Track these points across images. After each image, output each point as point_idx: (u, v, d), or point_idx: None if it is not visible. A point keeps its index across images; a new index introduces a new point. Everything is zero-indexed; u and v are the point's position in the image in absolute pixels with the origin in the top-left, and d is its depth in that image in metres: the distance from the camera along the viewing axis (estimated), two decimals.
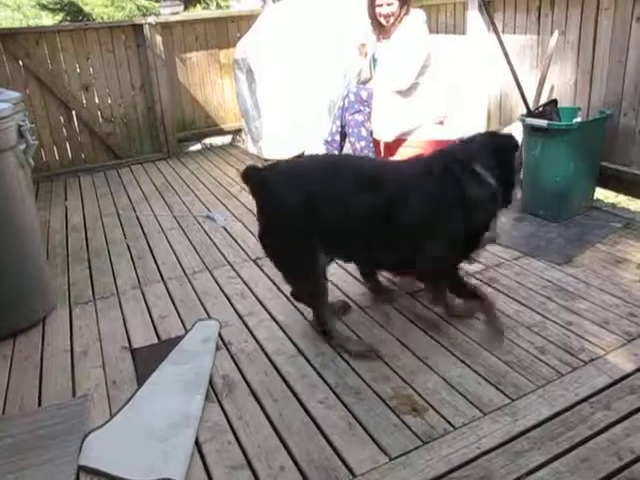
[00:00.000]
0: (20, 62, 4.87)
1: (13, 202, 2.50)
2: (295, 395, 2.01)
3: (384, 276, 2.70)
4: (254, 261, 3.11)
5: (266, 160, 5.03)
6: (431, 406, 1.90)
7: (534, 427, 1.77)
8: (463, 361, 2.12)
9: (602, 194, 3.65)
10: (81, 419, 1.94)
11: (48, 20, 12.09)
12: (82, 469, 1.74)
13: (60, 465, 1.75)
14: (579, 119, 3.36)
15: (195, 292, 2.82)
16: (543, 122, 3.17)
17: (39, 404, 2.09)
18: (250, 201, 4.04)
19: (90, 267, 3.22)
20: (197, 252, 3.30)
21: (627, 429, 1.74)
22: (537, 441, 1.72)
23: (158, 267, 3.14)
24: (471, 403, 1.89)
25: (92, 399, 2.07)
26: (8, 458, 1.80)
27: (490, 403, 1.89)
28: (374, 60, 3.86)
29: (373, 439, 1.78)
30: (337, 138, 3.90)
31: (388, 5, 3.60)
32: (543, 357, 2.11)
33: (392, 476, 1.63)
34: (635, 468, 1.61)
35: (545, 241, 3.06)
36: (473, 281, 2.69)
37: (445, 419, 1.83)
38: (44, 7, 12.22)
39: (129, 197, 4.43)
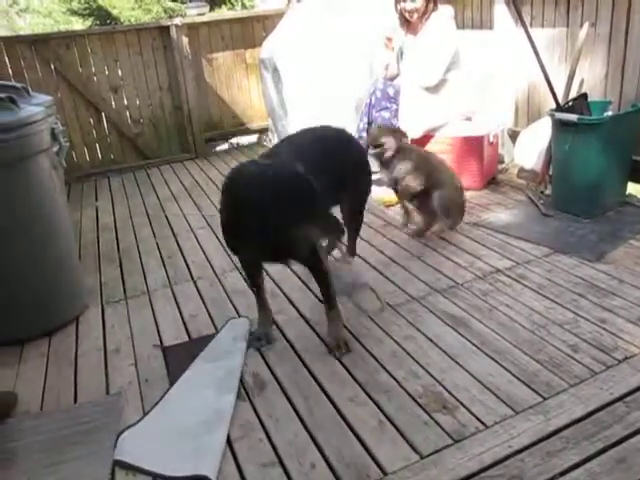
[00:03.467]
0: (51, 66, 4.98)
1: (47, 203, 2.56)
2: (325, 393, 2.01)
3: None
4: None
5: None
6: (462, 404, 1.88)
7: (567, 426, 1.75)
8: (494, 359, 2.10)
9: (635, 189, 3.57)
10: (115, 416, 1.98)
11: (78, 25, 12.31)
12: (117, 464, 1.77)
13: (96, 459, 1.79)
14: (610, 113, 3.29)
15: (225, 291, 2.85)
16: (573, 117, 3.11)
17: (75, 401, 2.13)
18: None
19: (121, 266, 3.28)
20: (226, 251, 3.32)
21: None
22: (570, 441, 1.69)
23: (188, 266, 3.18)
24: (502, 401, 1.88)
25: (125, 396, 2.11)
26: (46, 452, 1.85)
27: (522, 402, 1.87)
28: (401, 55, 3.84)
29: (404, 437, 1.77)
30: (364, 135, 3.89)
31: (412, 1, 3.59)
32: (576, 355, 2.08)
33: (423, 474, 1.63)
34: None
35: (576, 237, 3.01)
36: (503, 278, 2.68)
37: (476, 417, 1.82)
38: (74, 13, 12.47)
39: (158, 197, 4.49)
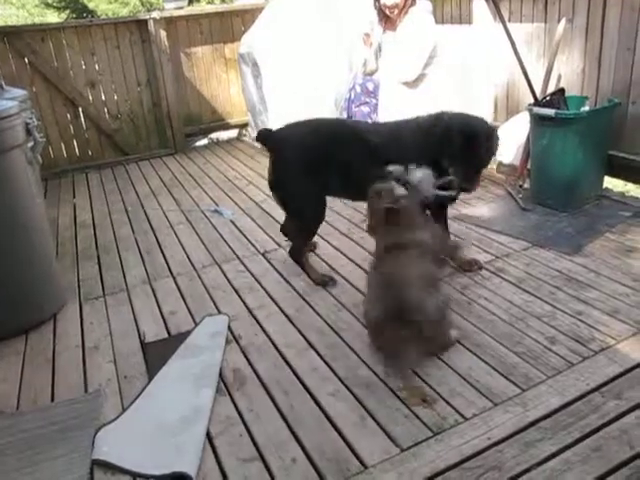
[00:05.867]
0: (26, 59, 4.89)
1: (22, 199, 2.52)
2: (306, 388, 2.01)
3: None
4: (262, 255, 3.12)
5: None
6: (441, 397, 1.90)
7: (545, 417, 1.77)
8: (473, 352, 2.12)
9: (611, 183, 3.62)
10: (94, 414, 1.96)
11: (53, 18, 12.12)
12: (95, 463, 1.75)
13: (74, 459, 1.77)
14: (587, 108, 3.33)
15: (204, 286, 2.83)
16: (551, 111, 3.15)
17: (52, 399, 2.10)
18: (256, 194, 4.06)
19: (99, 263, 3.24)
20: (206, 247, 3.31)
21: (639, 418, 1.73)
22: (548, 431, 1.72)
23: (167, 262, 3.16)
24: (482, 394, 1.89)
25: (104, 394, 2.08)
26: (23, 452, 1.82)
27: (501, 393, 1.89)
28: (380, 50, 3.84)
29: (384, 430, 1.78)
30: None
31: None
32: (553, 347, 2.10)
33: (403, 467, 1.64)
34: None
35: (554, 231, 3.05)
36: (482, 271, 2.69)
37: (456, 410, 1.83)
38: (48, 5, 12.26)
39: (137, 193, 4.44)
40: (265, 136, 2.72)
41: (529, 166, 3.55)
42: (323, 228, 3.34)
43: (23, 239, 2.53)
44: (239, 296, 2.70)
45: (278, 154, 2.68)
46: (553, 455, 1.63)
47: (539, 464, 1.60)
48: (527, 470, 1.59)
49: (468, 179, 2.56)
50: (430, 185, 2.34)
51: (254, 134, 5.34)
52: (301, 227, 2.81)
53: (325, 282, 2.72)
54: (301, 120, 2.75)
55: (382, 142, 2.61)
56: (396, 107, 3.73)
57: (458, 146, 2.48)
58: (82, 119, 5.25)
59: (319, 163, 2.59)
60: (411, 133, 2.64)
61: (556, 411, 1.79)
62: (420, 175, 2.28)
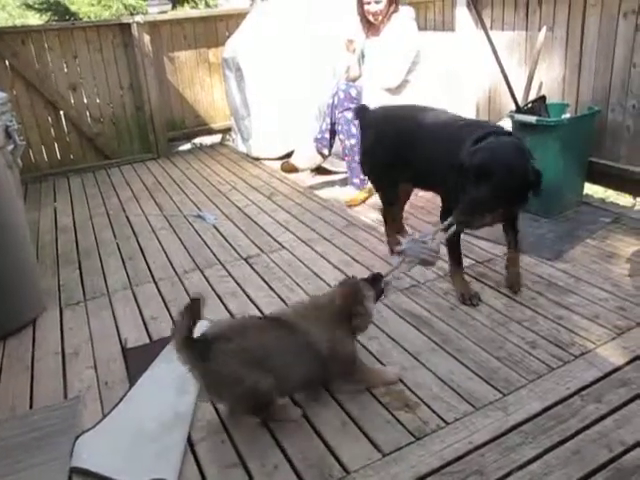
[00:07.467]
0: (6, 62, 4.84)
1: (1, 203, 2.48)
2: None
3: None
4: (245, 260, 3.11)
5: (255, 159, 5.03)
6: (423, 402, 1.90)
7: (526, 421, 1.78)
8: (454, 357, 2.13)
9: (591, 189, 3.68)
10: (73, 421, 1.93)
11: (34, 20, 12.02)
12: (74, 471, 1.73)
13: (53, 467, 1.74)
14: (568, 115, 3.38)
15: (186, 292, 2.81)
16: (532, 118, 3.18)
17: (31, 406, 2.07)
18: (239, 199, 4.05)
19: (80, 268, 3.21)
20: (188, 252, 3.29)
21: (617, 421, 1.75)
22: (529, 435, 1.73)
23: (149, 267, 3.13)
24: (463, 398, 1.90)
25: (84, 400, 2.06)
26: (1, 461, 1.79)
27: (482, 398, 1.90)
28: (363, 57, 3.86)
29: (366, 436, 1.78)
30: (327, 136, 3.90)
31: (376, 3, 3.61)
32: (534, 352, 2.12)
33: (385, 472, 1.64)
34: (625, 459, 1.62)
35: (535, 237, 3.08)
36: (465, 277, 2.71)
37: (437, 415, 1.84)
38: (30, 7, 12.15)
39: (119, 197, 4.41)
40: (360, 112, 2.99)
41: None
42: (305, 233, 3.36)
43: (2, 243, 2.49)
44: (222, 301, 2.69)
45: (365, 133, 2.94)
46: (534, 459, 1.64)
47: (520, 468, 1.61)
48: (508, 474, 1.60)
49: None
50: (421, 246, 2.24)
51: (237, 139, 5.34)
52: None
53: None
54: (401, 104, 2.99)
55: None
56: None
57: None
58: (63, 122, 5.20)
59: (402, 149, 2.62)
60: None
61: (537, 415, 1.80)
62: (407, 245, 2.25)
